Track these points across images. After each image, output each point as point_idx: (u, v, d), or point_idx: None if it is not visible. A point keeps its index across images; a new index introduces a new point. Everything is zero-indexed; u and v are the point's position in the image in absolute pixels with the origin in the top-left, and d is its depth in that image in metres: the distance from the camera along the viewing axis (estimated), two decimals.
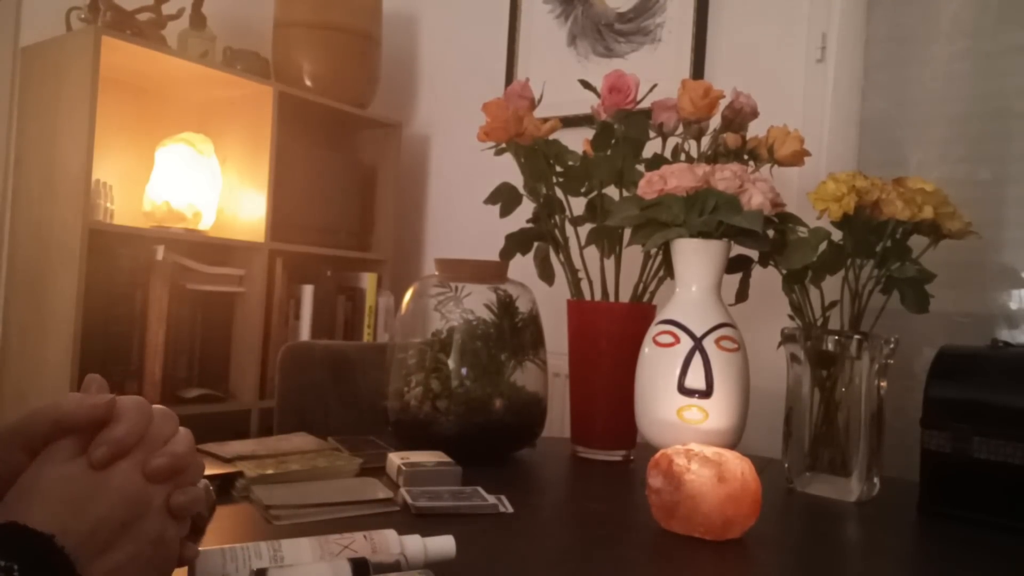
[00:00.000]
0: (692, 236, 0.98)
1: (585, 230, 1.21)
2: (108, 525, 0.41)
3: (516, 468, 1.02)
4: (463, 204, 2.17)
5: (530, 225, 1.26)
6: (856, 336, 0.93)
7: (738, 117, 1.20)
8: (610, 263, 1.20)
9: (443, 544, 0.57)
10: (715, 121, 1.21)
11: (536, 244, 1.26)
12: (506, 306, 1.07)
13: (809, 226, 1.04)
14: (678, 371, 0.93)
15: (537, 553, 0.69)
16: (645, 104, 1.19)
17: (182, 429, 0.48)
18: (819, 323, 1.05)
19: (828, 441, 0.96)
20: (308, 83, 2.01)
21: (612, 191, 1.20)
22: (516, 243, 1.25)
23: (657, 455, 0.76)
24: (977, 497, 0.84)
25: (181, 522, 0.46)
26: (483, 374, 1.03)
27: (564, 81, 1.58)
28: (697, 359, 0.93)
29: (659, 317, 0.99)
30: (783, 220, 1.06)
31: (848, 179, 0.96)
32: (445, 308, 1.06)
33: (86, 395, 0.45)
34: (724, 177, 0.99)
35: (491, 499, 0.80)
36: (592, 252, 1.21)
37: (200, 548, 0.50)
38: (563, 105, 1.58)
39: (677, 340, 0.95)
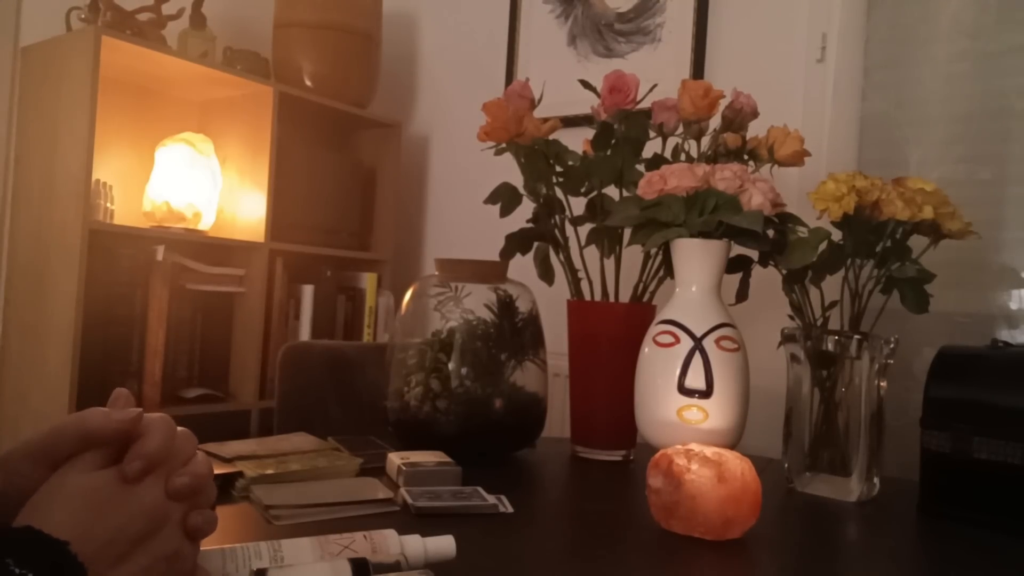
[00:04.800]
0: (692, 236, 0.98)
1: (585, 230, 1.21)
2: (125, 536, 0.42)
3: (516, 468, 1.02)
4: (463, 204, 2.17)
5: (530, 225, 1.26)
6: (856, 336, 0.93)
7: (738, 117, 1.20)
8: (610, 263, 1.20)
9: (443, 544, 0.57)
10: (715, 121, 1.21)
11: (536, 244, 1.26)
12: (506, 306, 1.07)
13: (809, 226, 1.04)
14: (678, 371, 0.94)
15: (537, 553, 0.69)
16: (645, 104, 1.19)
17: (200, 452, 0.48)
18: (819, 323, 1.05)
19: (828, 441, 0.96)
20: (308, 83, 2.01)
21: (612, 191, 1.20)
22: (516, 243, 1.25)
23: (657, 455, 0.76)
24: (977, 497, 0.84)
25: (195, 543, 0.46)
26: (483, 374, 1.03)
27: (564, 81, 1.58)
28: (697, 359, 0.93)
29: (659, 317, 0.99)
30: (783, 220, 1.06)
31: (848, 179, 0.96)
32: (445, 308, 1.06)
33: (112, 410, 0.45)
34: (724, 177, 0.99)
35: (491, 499, 0.80)
36: (592, 252, 1.21)
37: (200, 548, 0.50)
38: (563, 105, 1.58)
39: (677, 340, 0.95)
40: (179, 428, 0.47)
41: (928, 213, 0.95)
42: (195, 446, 0.48)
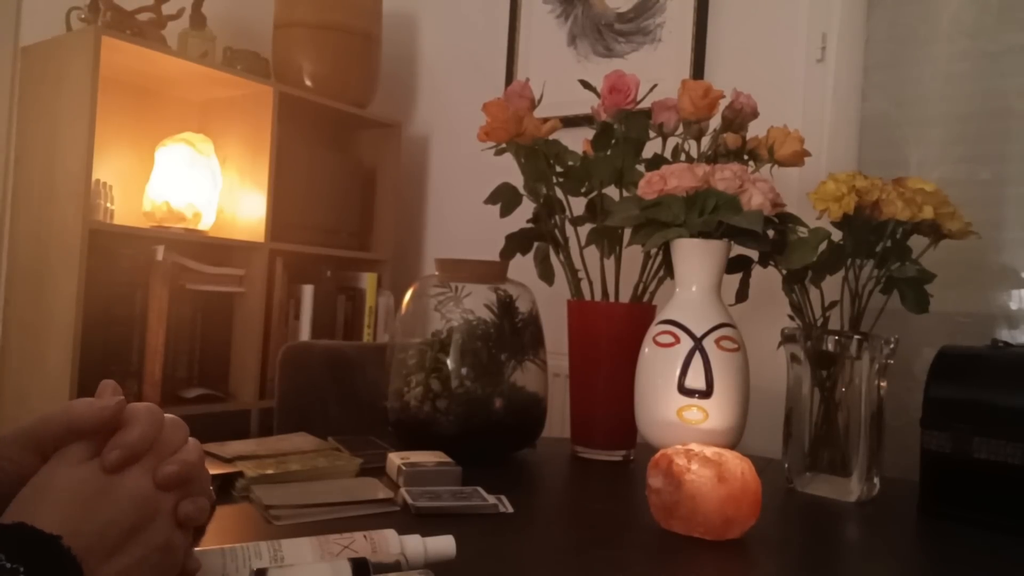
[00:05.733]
0: (692, 236, 0.98)
1: (585, 230, 1.21)
2: (117, 528, 0.41)
3: (516, 468, 1.02)
4: (463, 204, 2.17)
5: (530, 225, 1.26)
6: (856, 336, 0.93)
7: (738, 117, 1.20)
8: (610, 263, 1.20)
9: (443, 544, 0.57)
10: (715, 121, 1.21)
11: (536, 244, 1.26)
12: (506, 306, 1.07)
13: (809, 226, 1.04)
14: (678, 371, 0.94)
15: (537, 553, 0.69)
16: (645, 104, 1.19)
17: (191, 439, 0.48)
18: (819, 323, 1.05)
19: (828, 441, 0.96)
20: (308, 83, 2.01)
21: (612, 191, 1.20)
22: (516, 243, 1.25)
23: (657, 455, 0.76)
24: (977, 497, 0.84)
25: (187, 532, 0.46)
26: (483, 374, 1.03)
27: (564, 81, 1.58)
28: (697, 359, 0.93)
29: (659, 317, 0.99)
30: (783, 220, 1.06)
31: (848, 179, 0.96)
32: (445, 308, 1.06)
33: (97, 399, 0.45)
34: (724, 177, 0.99)
35: (491, 499, 0.80)
36: (592, 252, 1.21)
37: (200, 548, 0.50)
38: (563, 105, 1.58)
39: (677, 340, 0.95)
40: (168, 416, 0.47)
41: (928, 213, 0.95)
42: (186, 435, 0.48)
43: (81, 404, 0.44)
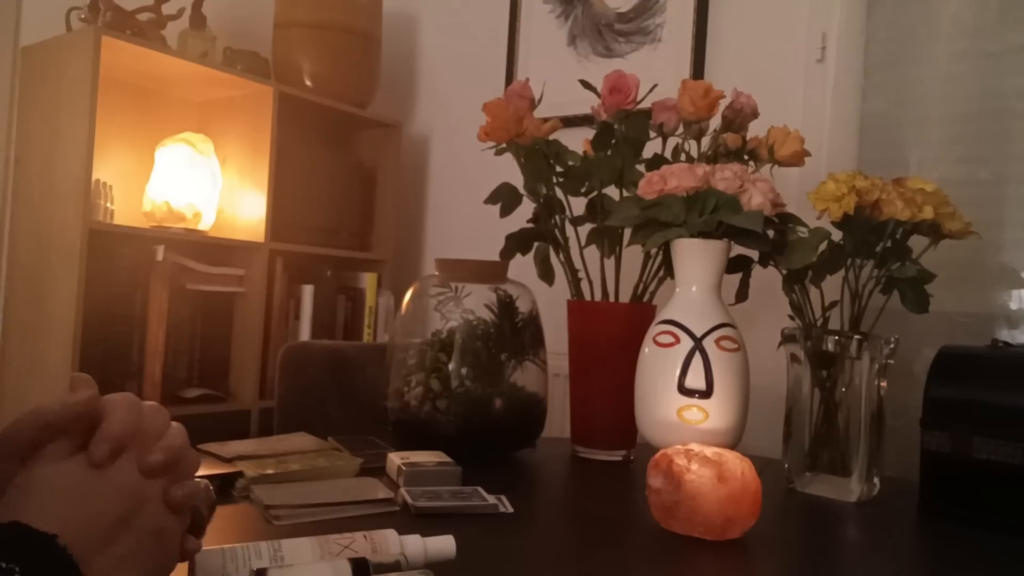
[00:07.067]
0: (692, 236, 0.98)
1: (585, 230, 1.21)
2: (105, 520, 0.42)
3: (516, 468, 1.02)
4: (463, 204, 2.17)
5: (530, 225, 1.26)
6: (856, 336, 0.93)
7: (738, 117, 1.20)
8: (610, 263, 1.20)
9: (443, 544, 0.57)
10: (715, 121, 1.21)
11: (536, 244, 1.26)
12: (506, 306, 1.07)
13: (809, 226, 1.04)
14: (678, 371, 0.94)
15: (537, 553, 0.69)
16: (645, 104, 1.19)
17: (174, 423, 0.48)
18: (819, 323, 1.05)
19: (828, 441, 0.96)
20: (308, 83, 2.01)
21: (612, 191, 1.20)
22: (516, 243, 1.25)
23: (657, 455, 0.76)
24: (977, 497, 0.84)
25: (180, 515, 0.46)
26: (483, 374, 1.03)
27: (564, 81, 1.58)
28: (697, 359, 0.93)
29: (659, 317, 0.99)
30: (783, 220, 1.06)
31: (848, 179, 0.96)
32: (445, 308, 1.06)
33: (69, 395, 0.45)
34: (724, 177, 0.99)
35: (491, 499, 0.80)
36: (592, 252, 1.21)
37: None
38: (563, 105, 1.58)
39: (677, 340, 0.95)
40: (147, 403, 0.47)
41: (928, 213, 0.95)
42: (167, 420, 0.47)
43: (54, 403, 0.44)
